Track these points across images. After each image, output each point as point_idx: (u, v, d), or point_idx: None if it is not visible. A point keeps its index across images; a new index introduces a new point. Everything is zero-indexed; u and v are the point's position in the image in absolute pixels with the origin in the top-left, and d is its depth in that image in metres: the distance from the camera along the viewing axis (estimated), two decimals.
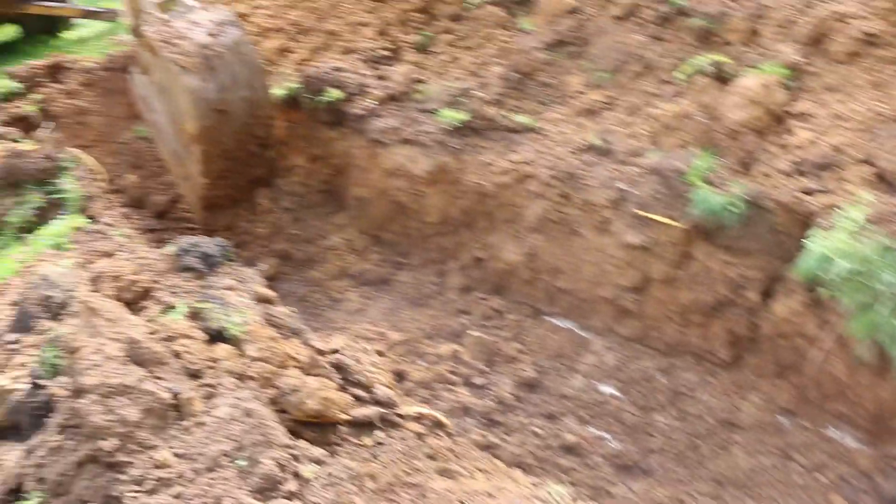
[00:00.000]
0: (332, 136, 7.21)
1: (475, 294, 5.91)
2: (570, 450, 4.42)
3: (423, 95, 6.59)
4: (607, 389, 4.84)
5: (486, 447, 4.32)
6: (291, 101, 7.42)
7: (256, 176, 7.13)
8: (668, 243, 4.87)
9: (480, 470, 3.47)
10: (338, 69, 7.01)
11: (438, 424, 3.69)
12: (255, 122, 6.67)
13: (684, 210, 4.81)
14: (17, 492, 2.84)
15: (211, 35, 6.23)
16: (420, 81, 6.78)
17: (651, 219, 4.91)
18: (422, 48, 7.37)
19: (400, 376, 5.07)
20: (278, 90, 7.42)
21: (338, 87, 6.90)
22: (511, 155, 5.81)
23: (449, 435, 3.65)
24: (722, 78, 5.39)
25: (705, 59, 5.50)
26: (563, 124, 5.84)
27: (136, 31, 6.87)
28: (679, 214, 4.83)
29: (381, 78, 7.06)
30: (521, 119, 6.00)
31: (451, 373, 5.04)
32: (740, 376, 4.79)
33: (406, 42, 7.40)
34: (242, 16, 8.80)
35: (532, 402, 4.81)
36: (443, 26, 7.39)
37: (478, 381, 4.98)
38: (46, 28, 12.50)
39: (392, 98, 6.70)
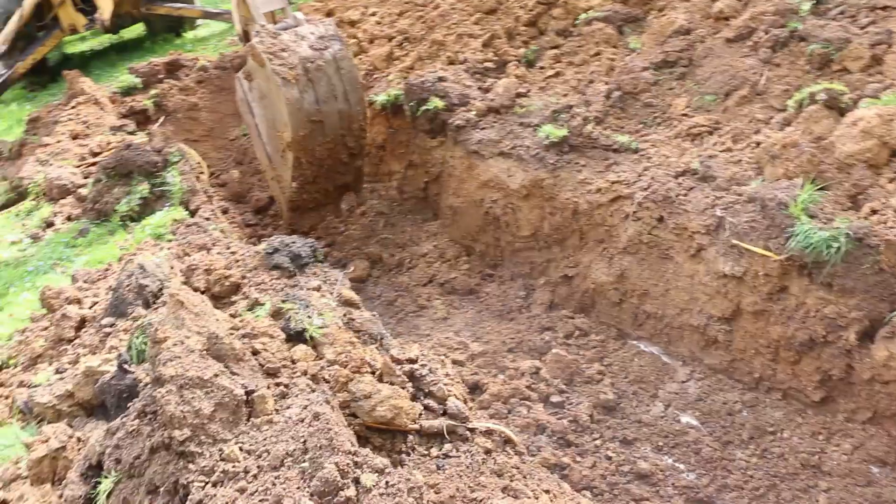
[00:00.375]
0: (431, 144, 7.31)
1: (561, 311, 5.87)
2: (642, 477, 4.32)
3: (524, 109, 6.60)
4: (687, 419, 4.71)
5: (557, 467, 4.28)
6: (394, 108, 7.57)
7: (344, 183, 7.34)
8: (763, 275, 4.70)
9: (546, 491, 3.43)
10: (441, 79, 7.10)
11: (508, 441, 3.67)
12: (347, 134, 6.84)
13: (783, 242, 4.63)
14: (97, 468, 3.00)
15: (314, 49, 6.45)
16: (523, 95, 6.79)
17: (747, 249, 4.75)
18: (527, 62, 7.37)
19: (477, 388, 5.08)
20: (382, 96, 7.58)
21: (440, 96, 6.99)
22: (608, 174, 5.74)
23: (518, 453, 3.63)
24: (836, 107, 5.16)
25: (820, 87, 5.28)
26: (664, 146, 5.73)
27: (244, 37, 7.15)
28: (777, 246, 4.65)
29: (483, 90, 7.11)
30: (622, 138, 5.92)
31: (529, 389, 5.01)
32: (830, 419, 4.58)
33: (512, 55, 7.42)
34: (352, 22, 9.05)
35: (608, 425, 4.73)
36: (550, 41, 7.38)
37: (555, 399, 4.93)
38: (171, 27, 13.16)
39: (493, 110, 6.73)
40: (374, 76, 8.08)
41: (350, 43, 8.72)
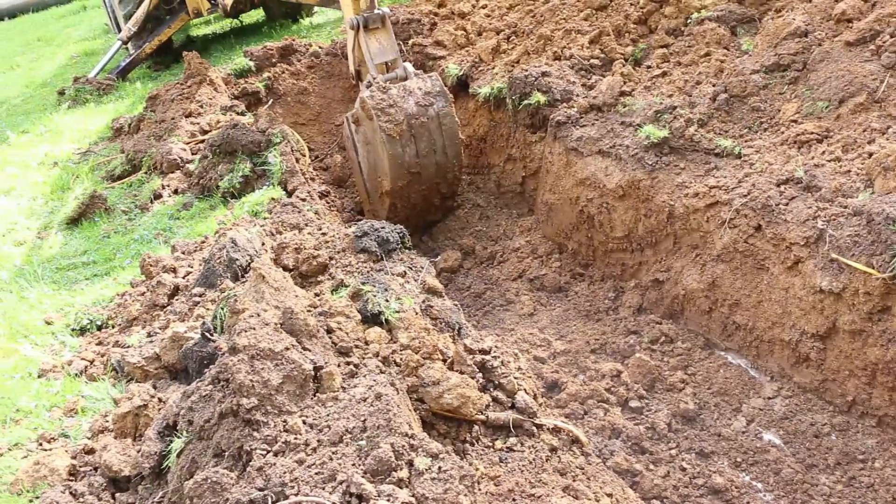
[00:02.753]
0: (531, 139, 7.28)
1: (648, 316, 5.75)
2: (716, 492, 4.19)
3: (627, 108, 6.48)
4: (770, 437, 4.53)
5: (629, 473, 4.20)
6: (496, 101, 7.57)
7: (433, 220, 7.60)
8: (864, 293, 4.46)
9: (608, 495, 3.38)
10: (545, 74, 7.05)
11: (575, 441, 3.64)
12: (442, 182, 7.11)
13: (888, 260, 4.38)
14: (172, 428, 3.14)
15: (419, 105, 6.71)
16: (626, 94, 6.67)
17: (848, 265, 4.52)
18: (634, 60, 7.24)
19: (556, 386, 5.04)
20: (485, 89, 7.59)
21: (543, 91, 6.95)
22: (708, 178, 5.57)
23: (584, 454, 3.59)
24: None
25: None
26: (768, 153, 5.51)
27: (356, 77, 7.34)
28: (881, 264, 4.41)
29: (587, 86, 7.03)
30: (725, 143, 5.73)
31: (609, 391, 4.94)
32: None
33: (619, 53, 7.30)
34: (462, 14, 9.09)
35: (686, 435, 4.60)
36: (659, 40, 7.22)
37: (634, 404, 4.84)
38: (288, 13, 13.55)
39: (595, 108, 6.64)
40: (480, 68, 8.10)
41: (458, 35, 8.77)
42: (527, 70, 7.18)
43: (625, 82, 6.79)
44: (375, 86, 6.61)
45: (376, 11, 6.60)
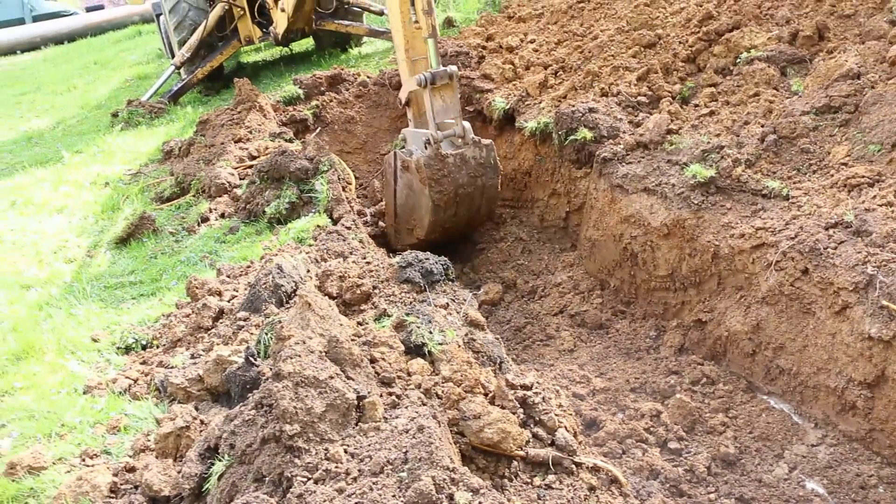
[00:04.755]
0: (577, 174, 7.29)
1: (690, 356, 5.69)
2: None
3: (673, 146, 6.47)
4: (813, 486, 4.42)
5: None
6: (542, 135, 7.60)
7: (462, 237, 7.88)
8: None
9: None
10: (592, 110, 7.07)
11: (614, 481, 3.60)
12: (470, 230, 7.59)
13: None
14: (214, 451, 3.17)
15: (470, 177, 6.91)
16: (673, 132, 6.66)
17: None
18: (682, 99, 7.23)
19: (594, 424, 4.99)
20: (531, 123, 7.63)
21: (590, 127, 6.97)
22: (754, 220, 5.52)
23: (623, 494, 3.55)
24: None
25: None
26: (817, 195, 5.45)
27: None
28: None
29: (634, 123, 7.03)
30: (772, 184, 5.68)
31: (648, 431, 4.88)
32: None
33: (666, 91, 7.30)
34: (510, 48, 9.17)
35: (726, 480, 4.52)
36: (707, 79, 7.20)
37: (673, 445, 4.77)
38: (338, 43, 13.80)
39: (642, 145, 6.64)
40: (527, 102, 8.14)
41: (506, 68, 8.84)
42: (574, 105, 7.21)
43: (672, 120, 6.78)
44: (432, 150, 6.73)
45: (446, 69, 6.63)
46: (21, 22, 30.24)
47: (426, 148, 6.79)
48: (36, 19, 30.46)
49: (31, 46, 26.50)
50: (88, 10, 33.22)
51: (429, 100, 6.64)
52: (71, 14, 31.57)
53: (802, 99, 6.25)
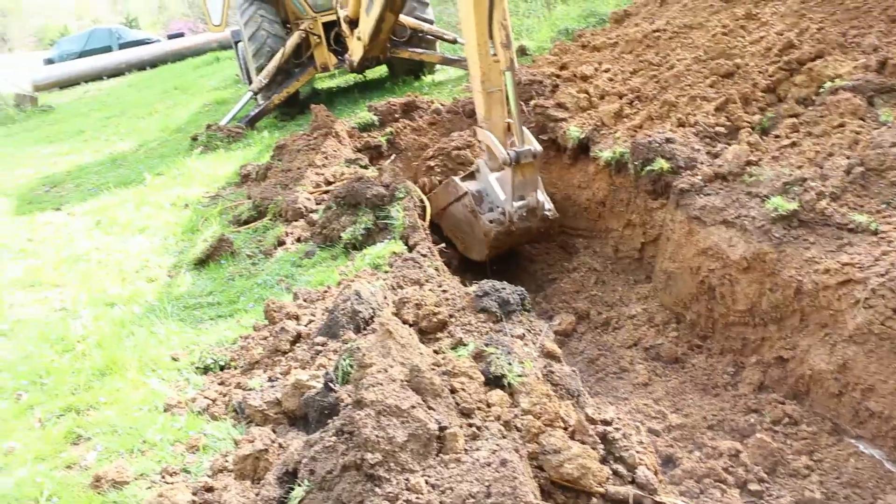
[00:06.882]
0: (653, 205, 7.19)
1: (770, 395, 5.51)
2: None
3: (753, 178, 6.32)
4: None
5: None
6: (618, 165, 7.53)
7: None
8: None
9: None
10: (669, 140, 6.98)
11: None
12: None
13: None
14: (292, 475, 3.19)
15: (539, 219, 7.02)
16: (753, 164, 6.52)
17: None
18: (761, 129, 7.08)
19: (670, 461, 4.87)
20: (607, 153, 7.57)
21: (667, 157, 6.88)
22: (840, 255, 5.35)
23: None
24: None
25: None
26: None
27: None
28: None
29: (712, 154, 6.91)
30: (859, 218, 5.50)
31: (727, 471, 4.72)
32: None
33: (746, 121, 7.16)
34: (584, 77, 9.15)
35: None
36: (789, 109, 7.04)
37: (753, 487, 4.61)
38: (411, 70, 14.00)
39: (720, 177, 6.51)
40: (601, 132, 8.09)
41: (581, 97, 8.81)
42: (650, 136, 7.13)
43: (751, 151, 6.65)
44: (504, 227, 6.95)
45: (531, 148, 6.68)
46: (108, 50, 31.60)
47: (500, 217, 7.00)
48: (122, 47, 31.80)
49: (117, 72, 27.63)
50: (170, 37, 34.53)
51: (510, 177, 6.73)
52: (154, 42, 32.86)
53: (892, 130, 6.06)
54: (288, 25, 13.75)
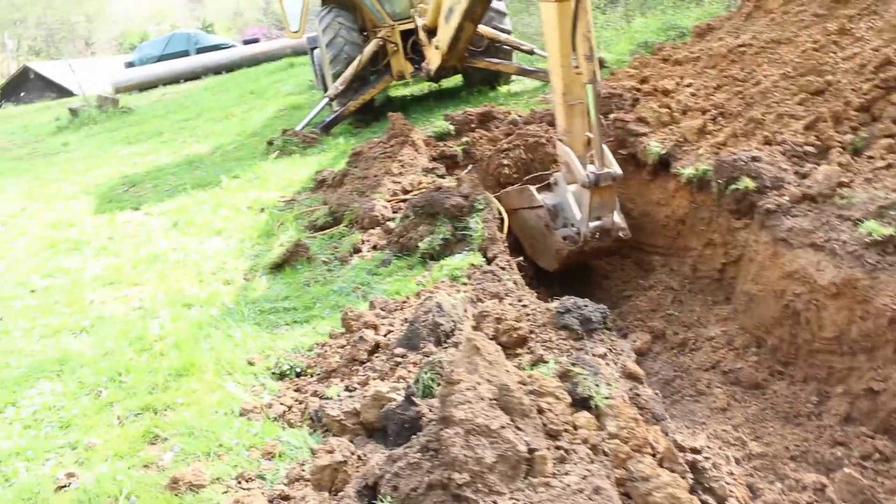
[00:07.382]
0: (736, 225, 7.00)
1: (858, 428, 5.28)
2: None
3: (845, 201, 6.09)
4: None
5: None
6: (700, 183, 7.35)
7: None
8: None
9: None
10: (755, 158, 6.78)
11: None
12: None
13: None
14: (372, 489, 3.15)
15: (603, 239, 6.89)
16: (845, 185, 6.28)
17: None
18: (854, 149, 6.82)
19: (751, 492, 4.70)
20: (689, 170, 7.40)
21: (752, 176, 6.67)
22: None
23: None
24: None
25: None
26: None
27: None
28: None
29: (800, 175, 6.68)
30: None
31: None
32: None
33: (837, 141, 6.91)
34: (666, 92, 8.98)
35: None
36: (884, 129, 6.77)
37: None
38: (487, 80, 13.98)
39: (809, 198, 6.29)
40: (683, 148, 7.92)
41: (662, 112, 8.64)
42: (735, 154, 6.93)
43: (843, 172, 6.41)
44: (577, 246, 6.87)
45: (610, 171, 6.56)
46: (186, 54, 32.46)
47: (574, 236, 6.93)
48: (199, 51, 32.62)
49: (194, 76, 28.33)
50: (245, 42, 35.27)
51: (589, 197, 6.63)
52: (230, 46, 33.63)
53: None
54: (365, 33, 13.86)
